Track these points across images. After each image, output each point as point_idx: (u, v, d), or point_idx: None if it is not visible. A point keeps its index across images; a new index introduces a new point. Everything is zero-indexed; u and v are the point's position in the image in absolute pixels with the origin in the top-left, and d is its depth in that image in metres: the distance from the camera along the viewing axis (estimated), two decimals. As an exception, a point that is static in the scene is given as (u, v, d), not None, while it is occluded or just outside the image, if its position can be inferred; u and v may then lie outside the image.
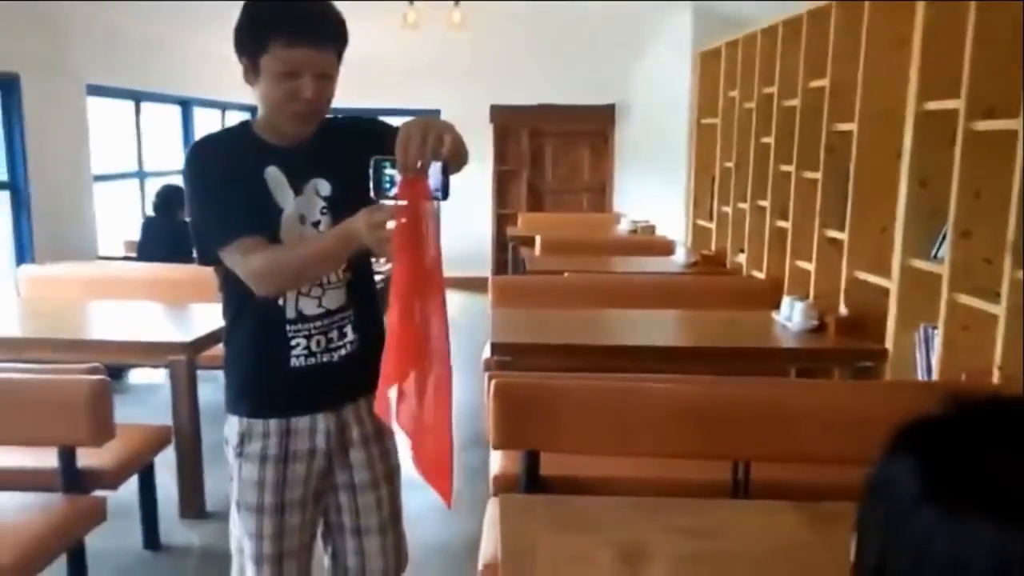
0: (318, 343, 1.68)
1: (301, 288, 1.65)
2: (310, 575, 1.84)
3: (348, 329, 1.71)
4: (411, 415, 1.55)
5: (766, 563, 1.53)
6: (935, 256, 2.77)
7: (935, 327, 2.68)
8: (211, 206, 1.63)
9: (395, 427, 1.64)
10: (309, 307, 1.67)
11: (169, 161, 6.68)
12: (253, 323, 1.68)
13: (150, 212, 5.13)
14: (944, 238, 2.67)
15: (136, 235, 5.35)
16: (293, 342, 1.66)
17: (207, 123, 7.31)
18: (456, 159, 1.45)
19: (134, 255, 5.29)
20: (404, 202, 1.43)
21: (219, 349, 3.44)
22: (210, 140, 1.75)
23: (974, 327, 2.52)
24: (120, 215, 6.10)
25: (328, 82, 1.60)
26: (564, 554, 1.54)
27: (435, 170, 1.42)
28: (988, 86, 2.43)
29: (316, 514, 1.79)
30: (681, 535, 1.62)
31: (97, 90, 5.41)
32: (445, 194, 1.44)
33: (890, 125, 3.08)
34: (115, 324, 3.73)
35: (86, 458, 2.56)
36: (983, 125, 2.44)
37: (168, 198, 5.06)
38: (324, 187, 1.66)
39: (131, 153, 6.14)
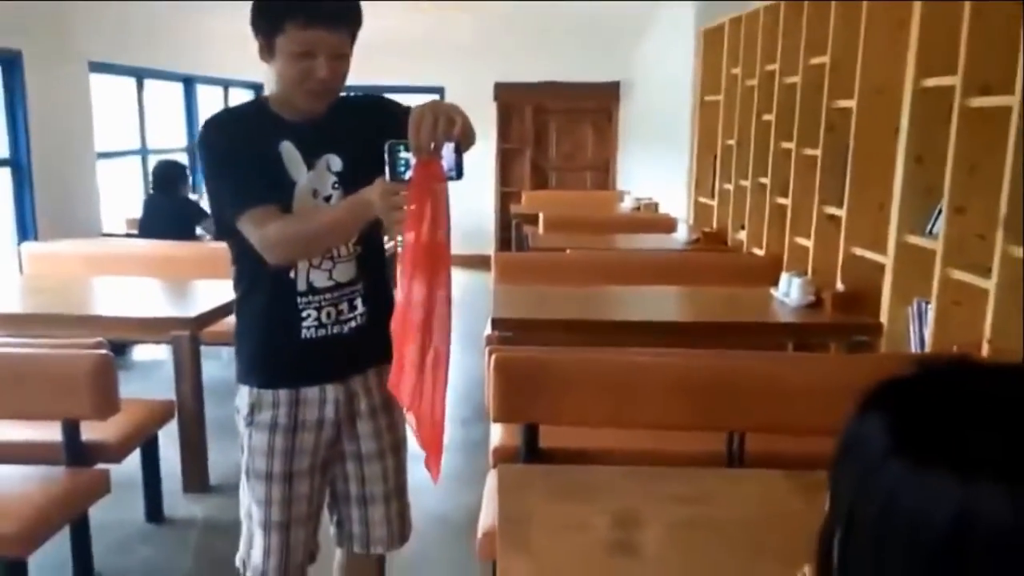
0: (328, 315, 1.72)
1: (312, 260, 1.69)
2: (317, 542, 1.89)
3: (358, 301, 1.75)
4: (411, 389, 1.59)
5: (758, 529, 1.57)
6: (930, 232, 2.79)
7: (928, 302, 2.71)
8: (227, 176, 1.67)
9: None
10: (320, 279, 1.71)
11: (172, 139, 6.71)
12: (265, 295, 1.72)
13: (151, 189, 5.14)
14: (939, 214, 2.69)
15: (138, 212, 5.38)
16: (304, 313, 1.70)
17: (210, 100, 7.32)
18: (466, 139, 1.50)
19: (136, 232, 5.32)
20: (412, 182, 1.48)
21: (223, 325, 3.55)
22: (226, 114, 1.81)
23: (966, 302, 2.55)
24: (123, 192, 6.13)
25: (342, 62, 1.64)
26: (560, 521, 1.58)
27: (448, 151, 1.48)
28: (984, 63, 2.45)
29: (323, 483, 1.84)
30: (675, 502, 1.66)
31: (100, 67, 5.42)
32: (459, 173, 1.50)
33: (889, 102, 3.09)
34: (118, 300, 3.77)
35: (90, 432, 2.61)
36: (978, 102, 2.45)
37: (167, 174, 5.06)
38: (336, 163, 1.70)
39: (134, 131, 6.16)
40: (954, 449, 0.61)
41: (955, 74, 2.54)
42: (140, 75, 6.08)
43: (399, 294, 1.56)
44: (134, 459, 2.95)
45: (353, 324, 1.75)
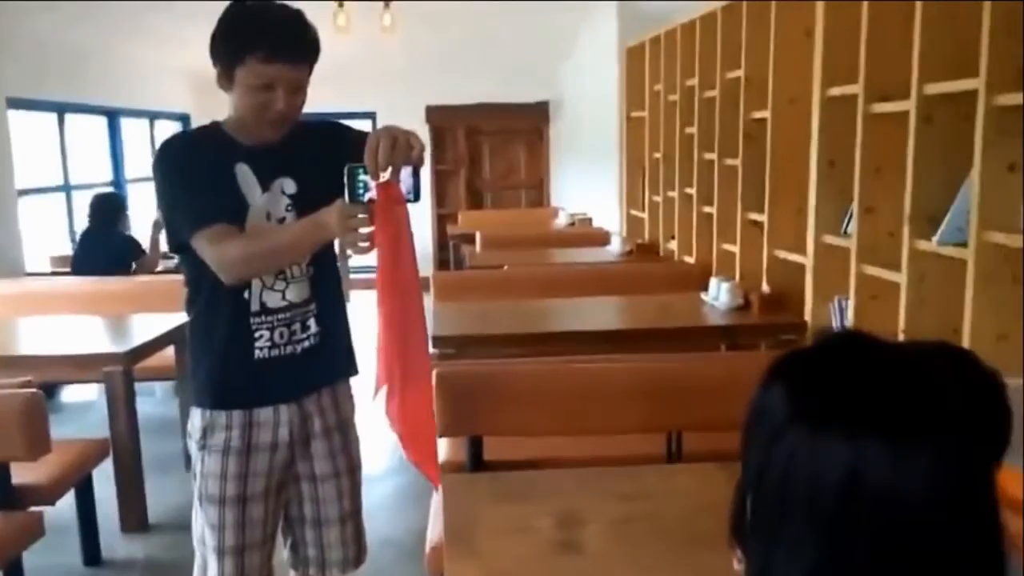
0: (281, 335, 1.73)
1: (265, 281, 1.71)
2: (271, 568, 1.88)
3: (311, 321, 1.77)
4: (399, 409, 1.65)
5: (696, 519, 1.63)
6: (845, 232, 2.94)
7: (847, 298, 2.85)
8: (182, 195, 1.67)
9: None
10: (273, 300, 1.72)
11: (96, 173, 6.56)
12: (218, 316, 1.72)
13: (86, 223, 4.98)
14: (851, 215, 2.84)
15: (65, 249, 5.22)
16: (257, 334, 1.72)
17: (135, 134, 7.19)
18: (420, 163, 1.55)
19: (63, 270, 5.16)
20: (376, 205, 1.53)
21: (156, 359, 3.48)
22: (182, 135, 1.83)
23: (881, 296, 2.70)
24: (46, 230, 5.97)
25: (300, 94, 1.67)
26: (505, 525, 1.62)
27: (405, 174, 1.53)
28: (882, 72, 2.61)
29: (278, 506, 1.83)
30: (615, 499, 1.72)
31: (18, 103, 5.29)
32: (416, 196, 1.56)
33: (801, 111, 3.26)
34: (46, 339, 3.67)
35: (21, 474, 2.54)
36: (879, 108, 2.61)
37: (103, 208, 4.91)
38: (290, 186, 1.72)
39: (56, 166, 6.01)
40: (843, 411, 0.68)
41: (857, 83, 2.70)
42: (61, 109, 5.95)
43: (380, 322, 1.61)
44: (68, 500, 2.88)
45: (306, 344, 1.77)
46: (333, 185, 1.57)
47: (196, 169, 1.68)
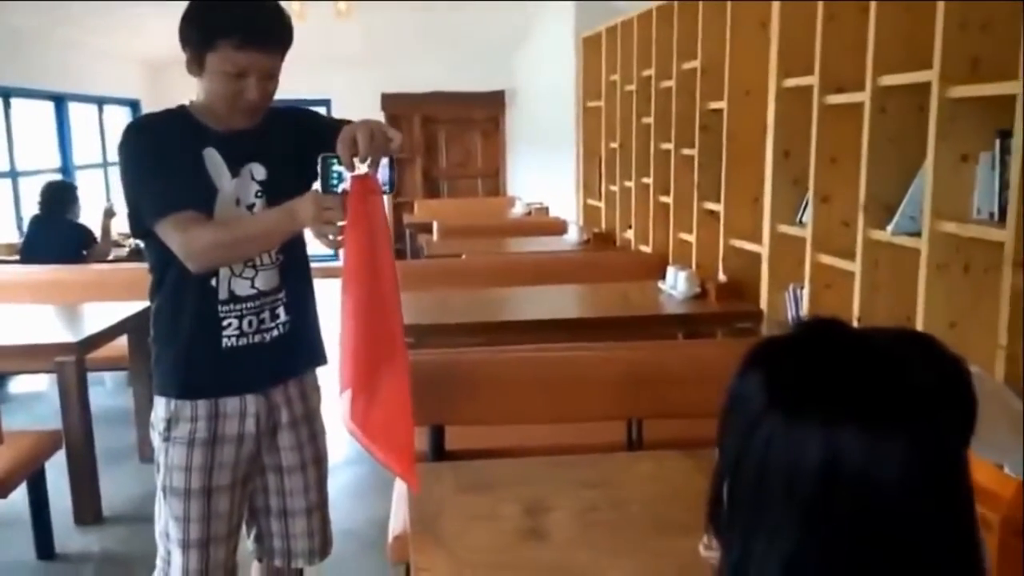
0: (250, 323, 1.71)
1: (234, 268, 1.67)
2: (235, 561, 1.85)
3: (280, 310, 1.74)
4: (366, 409, 1.59)
5: (659, 505, 1.66)
6: (800, 221, 3.00)
7: (802, 287, 2.91)
8: (148, 179, 1.63)
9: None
10: (242, 288, 1.69)
11: (44, 159, 6.37)
12: (184, 303, 1.69)
13: (36, 211, 4.85)
14: (807, 204, 2.90)
15: (12, 236, 5.08)
16: (225, 322, 1.69)
17: (83, 119, 6.99)
18: (397, 154, 1.55)
19: (11, 258, 5.02)
20: (350, 197, 1.52)
21: (107, 350, 3.40)
22: (149, 118, 1.76)
23: (835, 284, 2.76)
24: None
25: (272, 82, 1.64)
26: (470, 513, 1.62)
27: (382, 165, 1.53)
28: (837, 64, 2.66)
29: (243, 498, 1.81)
30: (580, 486, 1.73)
31: (-41, 88, 5.11)
32: (392, 187, 1.55)
33: (756, 102, 3.30)
34: (-6, 329, 3.57)
35: (-29, 467, 2.47)
36: (834, 99, 2.66)
37: (55, 196, 4.81)
38: (259, 171, 1.69)
39: (2, 152, 5.82)
40: (818, 398, 0.69)
41: (812, 74, 2.74)
42: (7, 94, 5.75)
43: (345, 315, 1.57)
44: (21, 493, 2.80)
45: (275, 333, 1.74)
46: (303, 172, 1.55)
47: (163, 152, 1.64)
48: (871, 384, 0.68)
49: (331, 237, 1.52)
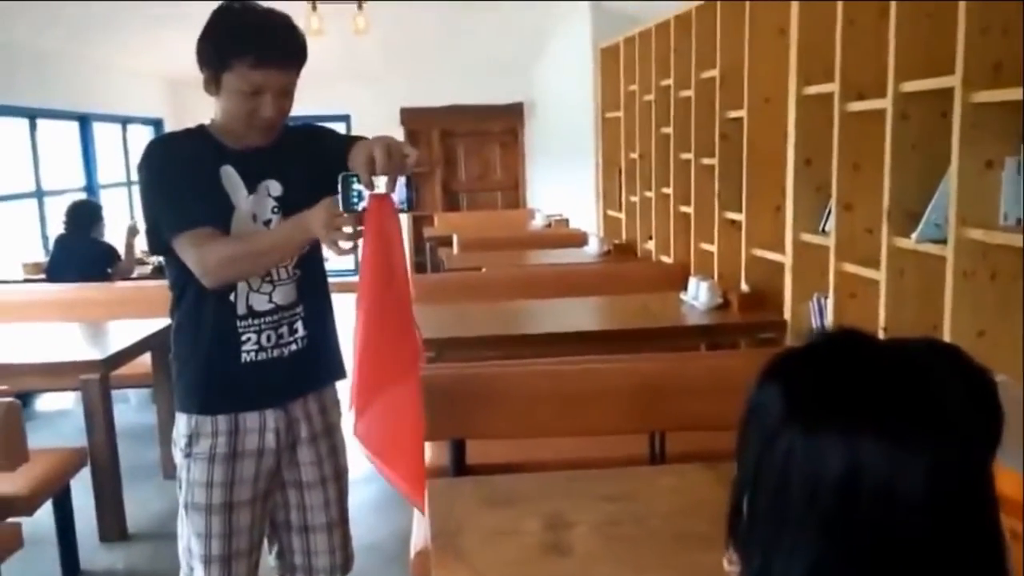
0: (268, 338, 1.72)
1: (252, 283, 1.69)
2: (258, 575, 1.86)
3: (299, 324, 1.76)
4: (374, 428, 1.64)
5: (682, 518, 1.64)
6: (823, 230, 2.96)
7: (826, 296, 2.87)
8: (166, 195, 1.65)
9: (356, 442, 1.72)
10: (259, 303, 1.70)
11: (69, 179, 6.47)
12: (203, 319, 1.70)
13: (61, 230, 4.93)
14: (830, 212, 2.86)
15: (38, 256, 5.15)
16: (244, 337, 1.70)
17: (108, 139, 7.10)
18: (413, 171, 1.56)
19: (37, 276, 5.10)
20: (367, 214, 1.54)
21: (130, 367, 3.43)
22: (169, 136, 1.80)
23: (860, 293, 2.72)
24: (19, 236, 5.88)
25: (288, 99, 1.66)
26: (492, 528, 1.61)
27: (400, 184, 1.54)
28: (857, 71, 2.63)
29: (265, 514, 1.81)
30: (601, 501, 1.71)
31: (-12, 109, 5.21)
32: (411, 205, 1.57)
33: (776, 110, 3.27)
34: (22, 347, 3.59)
35: (-2, 484, 2.49)
36: (855, 106, 2.63)
37: (80, 215, 4.88)
38: (275, 188, 1.71)
39: (28, 172, 5.92)
40: (838, 409, 0.68)
41: (833, 81, 2.72)
42: (33, 115, 5.86)
43: (360, 331, 1.60)
44: (46, 511, 2.82)
45: (293, 348, 1.75)
46: (319, 188, 1.56)
47: (181, 170, 1.66)
48: (893, 394, 0.67)
49: (341, 244, 1.53)
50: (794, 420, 0.69)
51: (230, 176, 1.67)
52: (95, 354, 3.26)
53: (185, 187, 1.64)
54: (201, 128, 1.73)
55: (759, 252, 3.46)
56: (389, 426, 1.64)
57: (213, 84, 1.63)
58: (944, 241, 2.22)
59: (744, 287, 3.52)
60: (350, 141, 1.61)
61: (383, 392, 1.65)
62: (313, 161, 1.62)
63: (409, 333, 1.62)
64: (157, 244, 1.70)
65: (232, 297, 1.69)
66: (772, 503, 0.70)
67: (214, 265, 1.61)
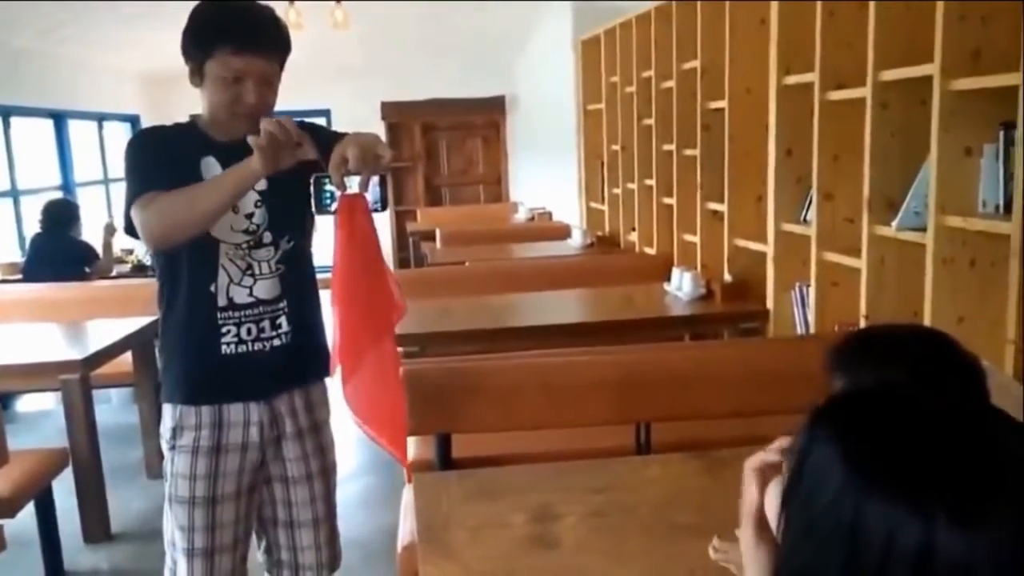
0: (248, 331, 1.71)
1: (232, 276, 1.68)
2: (245, 572, 1.85)
3: (282, 320, 1.74)
4: (362, 390, 1.69)
5: (668, 508, 1.64)
6: (804, 219, 2.98)
7: (808, 285, 2.89)
8: (138, 176, 1.63)
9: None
10: (240, 295, 1.70)
11: (44, 177, 6.38)
12: (185, 310, 1.70)
13: (37, 229, 4.86)
14: (810, 202, 2.88)
15: (14, 255, 5.08)
16: (224, 329, 1.70)
17: (84, 136, 7.01)
18: (387, 171, 1.55)
19: (14, 277, 5.03)
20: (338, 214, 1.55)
21: (111, 366, 3.39)
22: (155, 127, 1.79)
23: (842, 282, 2.74)
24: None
25: (270, 88, 1.66)
26: (479, 522, 1.60)
27: (373, 183, 1.53)
28: (837, 60, 2.64)
29: (250, 509, 1.80)
30: (587, 492, 1.71)
31: (-41, 108, 5.12)
32: (384, 205, 1.56)
33: (757, 100, 3.29)
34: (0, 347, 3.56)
35: (-22, 487, 2.46)
36: (835, 95, 2.65)
37: (56, 213, 4.82)
38: (260, 182, 1.67)
39: (2, 171, 5.83)
40: (913, 486, 0.63)
41: (813, 71, 2.73)
42: (6, 113, 5.77)
43: (335, 322, 1.62)
44: (29, 513, 2.79)
45: (276, 343, 1.74)
46: (305, 183, 1.55)
47: (159, 155, 1.66)
48: (966, 465, 0.63)
49: (298, 154, 1.50)
50: (858, 489, 0.65)
51: (211, 167, 1.66)
52: (74, 354, 3.21)
53: (158, 168, 1.62)
54: (189, 122, 1.73)
55: (741, 242, 3.48)
56: (374, 387, 1.68)
57: (197, 75, 1.64)
58: (924, 229, 2.24)
59: (727, 277, 3.53)
60: (337, 137, 1.59)
61: (366, 355, 1.67)
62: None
63: (385, 291, 1.64)
64: (131, 227, 1.66)
65: (213, 288, 1.68)
66: (835, 569, 0.67)
67: (154, 217, 1.56)
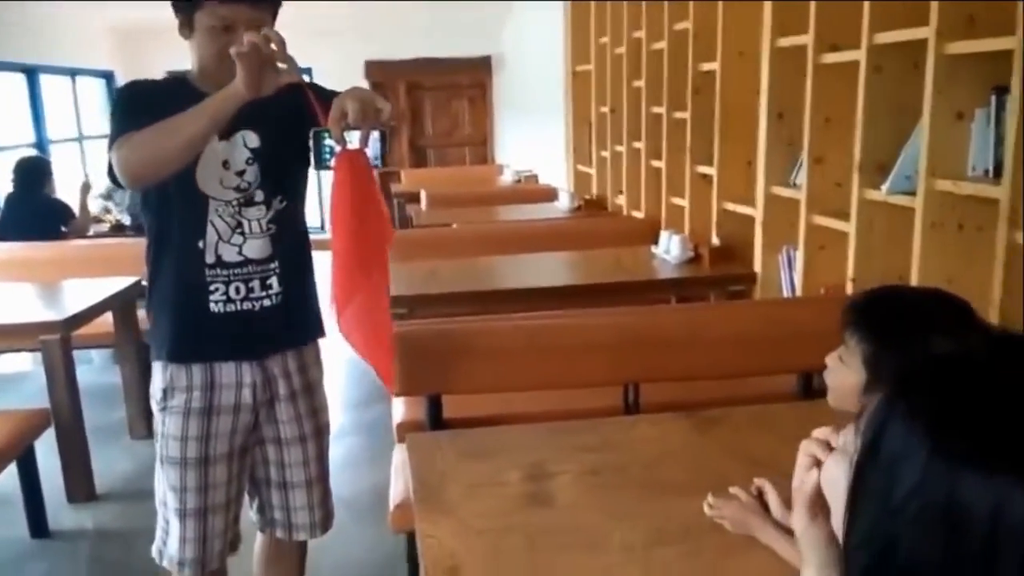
0: (237, 290, 1.69)
1: (222, 234, 1.65)
2: (238, 531, 1.86)
3: (272, 280, 1.72)
4: (357, 322, 1.72)
5: (660, 466, 1.66)
6: (793, 183, 2.98)
7: (796, 248, 2.90)
8: (120, 123, 1.59)
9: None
10: (229, 254, 1.68)
11: (17, 135, 6.25)
12: (174, 266, 1.69)
13: (9, 188, 4.76)
14: (800, 165, 2.88)
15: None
16: (212, 287, 1.68)
17: (57, 92, 6.86)
18: (388, 126, 1.52)
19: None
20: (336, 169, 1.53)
21: (92, 326, 3.35)
22: (144, 80, 1.74)
23: (829, 245, 2.75)
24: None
25: None
26: (474, 480, 1.61)
27: (373, 138, 1.50)
28: (832, 22, 2.62)
29: (243, 470, 1.80)
30: (580, 451, 1.73)
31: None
32: (383, 162, 1.54)
33: (749, 63, 3.26)
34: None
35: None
36: (829, 58, 2.63)
37: (28, 171, 4.71)
38: (252, 139, 1.67)
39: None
40: (1009, 452, 0.61)
41: (807, 33, 2.71)
42: (-24, 67, 5.63)
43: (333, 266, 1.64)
44: (11, 473, 2.78)
45: (267, 303, 1.72)
46: (299, 140, 1.52)
47: (145, 103, 1.62)
48: None
49: (282, 79, 1.48)
50: (940, 458, 0.63)
51: None
52: (54, 314, 3.18)
53: (146, 116, 1.54)
54: (181, 76, 1.70)
55: (730, 206, 3.48)
56: (366, 319, 1.70)
57: (187, 27, 1.61)
58: (914, 193, 2.25)
59: (715, 240, 3.54)
60: (334, 96, 1.56)
61: (359, 288, 1.68)
62: (295, 115, 1.56)
63: (380, 217, 1.65)
64: (115, 174, 1.61)
65: (201, 245, 1.66)
66: (916, 535, 0.64)
67: (133, 154, 1.52)
